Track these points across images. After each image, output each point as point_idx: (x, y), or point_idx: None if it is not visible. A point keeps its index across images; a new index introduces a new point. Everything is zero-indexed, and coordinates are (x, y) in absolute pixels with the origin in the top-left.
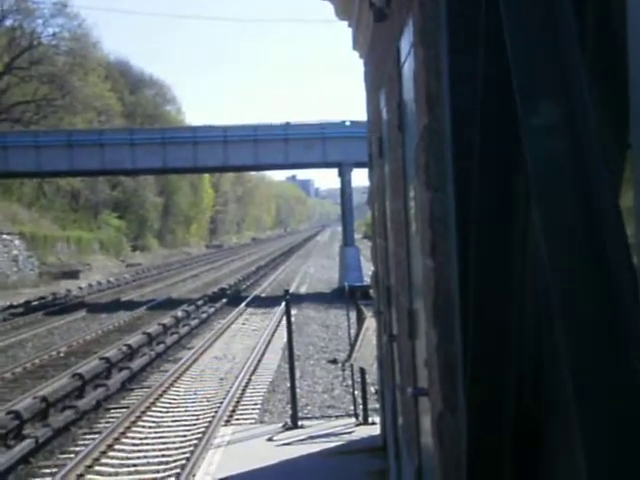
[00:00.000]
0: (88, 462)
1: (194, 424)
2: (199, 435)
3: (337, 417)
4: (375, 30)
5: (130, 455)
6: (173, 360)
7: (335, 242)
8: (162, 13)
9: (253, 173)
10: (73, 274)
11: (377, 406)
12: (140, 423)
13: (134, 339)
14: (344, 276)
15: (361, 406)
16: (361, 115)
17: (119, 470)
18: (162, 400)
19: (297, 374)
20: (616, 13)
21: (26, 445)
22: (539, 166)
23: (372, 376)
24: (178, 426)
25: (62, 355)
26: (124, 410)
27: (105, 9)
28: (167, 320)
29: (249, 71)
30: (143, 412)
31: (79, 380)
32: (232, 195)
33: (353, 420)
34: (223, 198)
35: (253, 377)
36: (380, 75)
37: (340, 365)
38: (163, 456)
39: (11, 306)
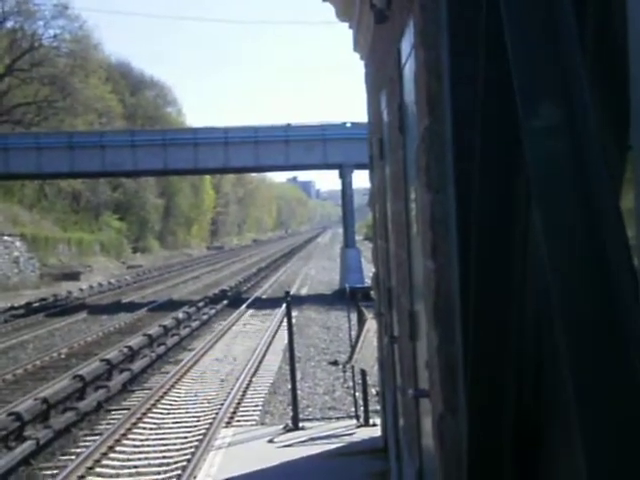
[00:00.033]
0: (89, 464)
1: (195, 426)
2: (200, 437)
3: (338, 419)
4: (376, 32)
5: (131, 457)
6: (174, 362)
7: (336, 244)
8: (164, 15)
9: (254, 175)
10: (74, 276)
11: (378, 408)
12: (141, 425)
13: (135, 341)
14: (345, 278)
15: (362, 408)
16: (362, 117)
17: (120, 472)
18: (163, 402)
19: (298, 376)
20: (616, 14)
21: (27, 447)
22: (540, 168)
23: (373, 378)
24: (179, 428)
25: (63, 357)
26: (125, 412)
27: (106, 11)
28: (168, 322)
29: (250, 73)
30: (144, 414)
31: (80, 382)
32: (233, 196)
33: (354, 422)
34: (224, 199)
35: (254, 379)
36: (381, 77)
37: (341, 367)
38: (164, 458)
39: (12, 307)
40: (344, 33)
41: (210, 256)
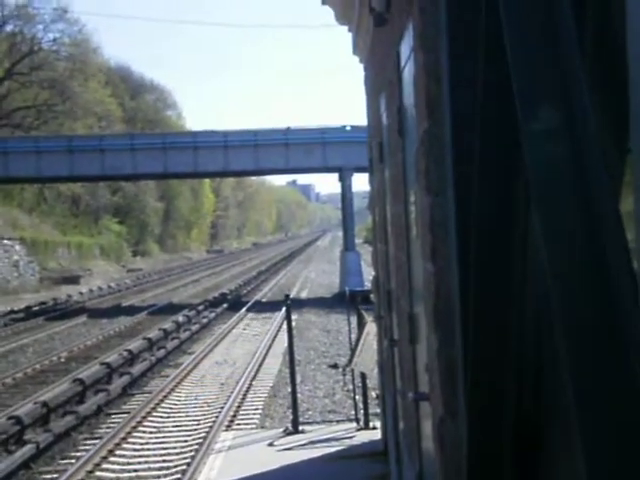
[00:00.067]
0: (89, 467)
1: (195, 429)
2: (200, 440)
3: (338, 422)
4: (375, 35)
5: (131, 460)
6: (174, 365)
7: (336, 247)
8: (163, 19)
9: (254, 178)
10: (74, 279)
11: (378, 411)
12: (141, 428)
13: (135, 344)
14: (345, 281)
15: (362, 411)
16: (361, 120)
17: (120, 475)
18: (163, 405)
19: (298, 379)
20: (616, 18)
21: (27, 450)
22: (539, 171)
23: (373, 381)
24: (179, 431)
25: (63, 360)
26: (125, 415)
27: (106, 15)
28: (168, 325)
29: (250, 76)
30: (144, 417)
31: (80, 385)
32: (233, 200)
33: (354, 425)
34: (224, 203)
35: (254, 382)
36: (380, 80)
37: (341, 370)
38: (164, 461)
39: (12, 311)
40: (343, 36)
41: (210, 259)
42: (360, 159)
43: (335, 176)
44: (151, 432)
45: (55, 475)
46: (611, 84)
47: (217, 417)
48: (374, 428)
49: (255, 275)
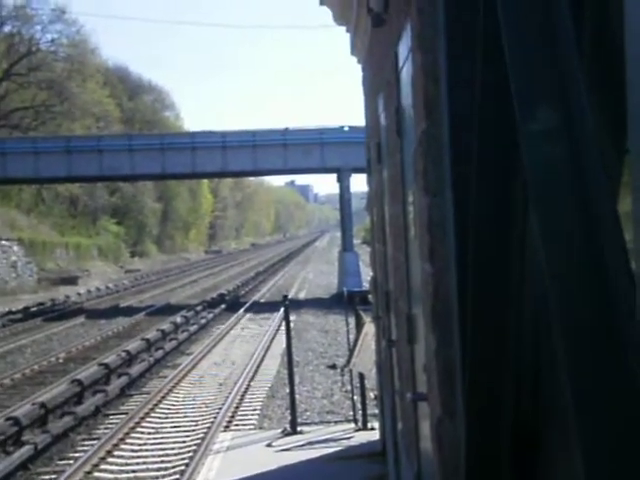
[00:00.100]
0: (87, 468)
1: (193, 430)
2: (198, 441)
3: (336, 423)
4: (373, 35)
5: (129, 461)
6: (172, 366)
7: (334, 247)
8: (162, 20)
9: (252, 178)
10: (72, 280)
11: (376, 411)
12: (139, 429)
13: (133, 345)
14: (343, 281)
15: (360, 411)
16: (359, 120)
17: (118, 476)
18: (161, 406)
19: (296, 380)
20: (613, 18)
21: (25, 451)
22: (537, 171)
23: (371, 381)
24: (177, 432)
25: (61, 361)
26: (123, 416)
27: (104, 15)
28: (166, 326)
29: (248, 77)
30: (142, 418)
31: (78, 386)
32: (231, 200)
33: (352, 425)
34: (222, 204)
35: (252, 383)
36: (378, 80)
37: (339, 370)
38: (162, 462)
39: (10, 312)
40: (341, 37)
41: (208, 260)
42: (358, 160)
43: (333, 177)
44: (149, 433)
45: (53, 476)
46: (609, 85)
47: (215, 418)
48: (372, 429)
49: (253, 276)
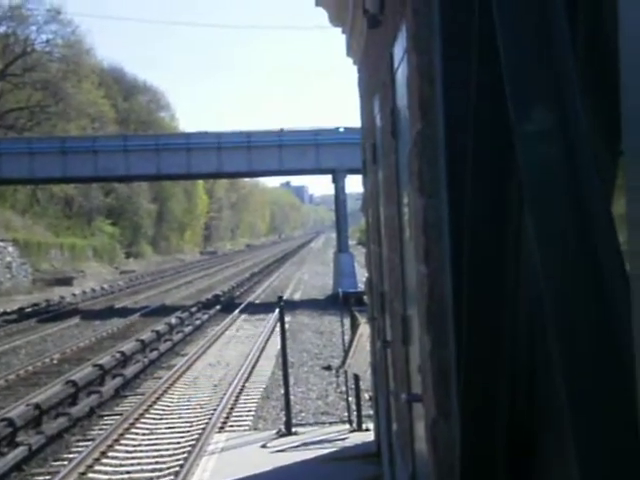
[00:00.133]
0: (81, 469)
1: (188, 431)
2: (193, 442)
3: (331, 424)
4: (369, 36)
5: (124, 462)
6: (167, 367)
7: (329, 248)
8: (157, 20)
9: (247, 180)
10: (67, 281)
11: (371, 412)
12: (133, 430)
13: (128, 346)
14: (338, 282)
15: (355, 412)
16: (355, 121)
17: (112, 477)
18: (156, 407)
19: (291, 381)
20: (607, 20)
21: (19, 452)
22: (532, 172)
23: (366, 382)
24: (172, 433)
25: (55, 362)
26: (117, 417)
27: (99, 16)
28: (161, 327)
29: (244, 78)
30: (137, 419)
31: (72, 387)
32: (226, 201)
33: (347, 426)
34: (217, 204)
35: (247, 384)
36: (374, 81)
37: (334, 371)
38: (157, 463)
39: (4, 313)
40: (337, 38)
41: (203, 261)
42: (354, 161)
43: (329, 178)
44: (144, 434)
45: (47, 477)
46: (603, 87)
47: (210, 419)
48: (367, 430)
49: (248, 277)
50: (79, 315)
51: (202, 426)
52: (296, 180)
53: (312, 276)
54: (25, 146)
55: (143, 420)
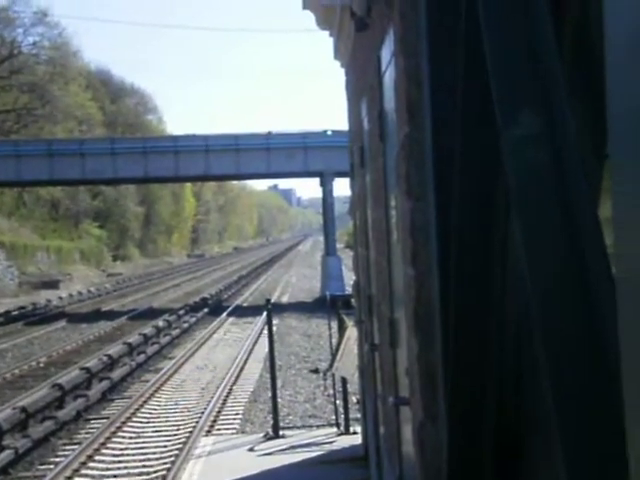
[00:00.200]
0: (68, 473)
1: (175, 434)
2: (180, 445)
3: (318, 427)
4: (356, 39)
5: (110, 466)
6: (154, 370)
7: (317, 251)
8: (145, 23)
9: (235, 182)
10: (53, 284)
11: (358, 415)
12: (120, 434)
13: (115, 349)
14: (326, 285)
15: (342, 416)
16: (343, 124)
17: None
18: (143, 410)
19: (279, 384)
20: (593, 25)
21: (5, 456)
22: (519, 176)
23: (354, 385)
24: (159, 436)
25: (42, 365)
26: (104, 421)
27: (86, 18)
28: (148, 330)
29: (233, 81)
30: (123, 422)
31: (59, 391)
32: (214, 204)
33: (335, 430)
34: (205, 207)
35: (234, 387)
36: (361, 84)
37: (322, 374)
38: (144, 467)
39: None
40: (325, 41)
41: (191, 264)
42: (341, 164)
43: (316, 181)
44: (131, 437)
45: None
46: (589, 91)
47: (197, 422)
48: (355, 433)
49: (236, 279)
50: (66, 318)
51: (189, 429)
52: (284, 183)
53: (300, 279)
54: (12, 149)
55: (130, 424)
